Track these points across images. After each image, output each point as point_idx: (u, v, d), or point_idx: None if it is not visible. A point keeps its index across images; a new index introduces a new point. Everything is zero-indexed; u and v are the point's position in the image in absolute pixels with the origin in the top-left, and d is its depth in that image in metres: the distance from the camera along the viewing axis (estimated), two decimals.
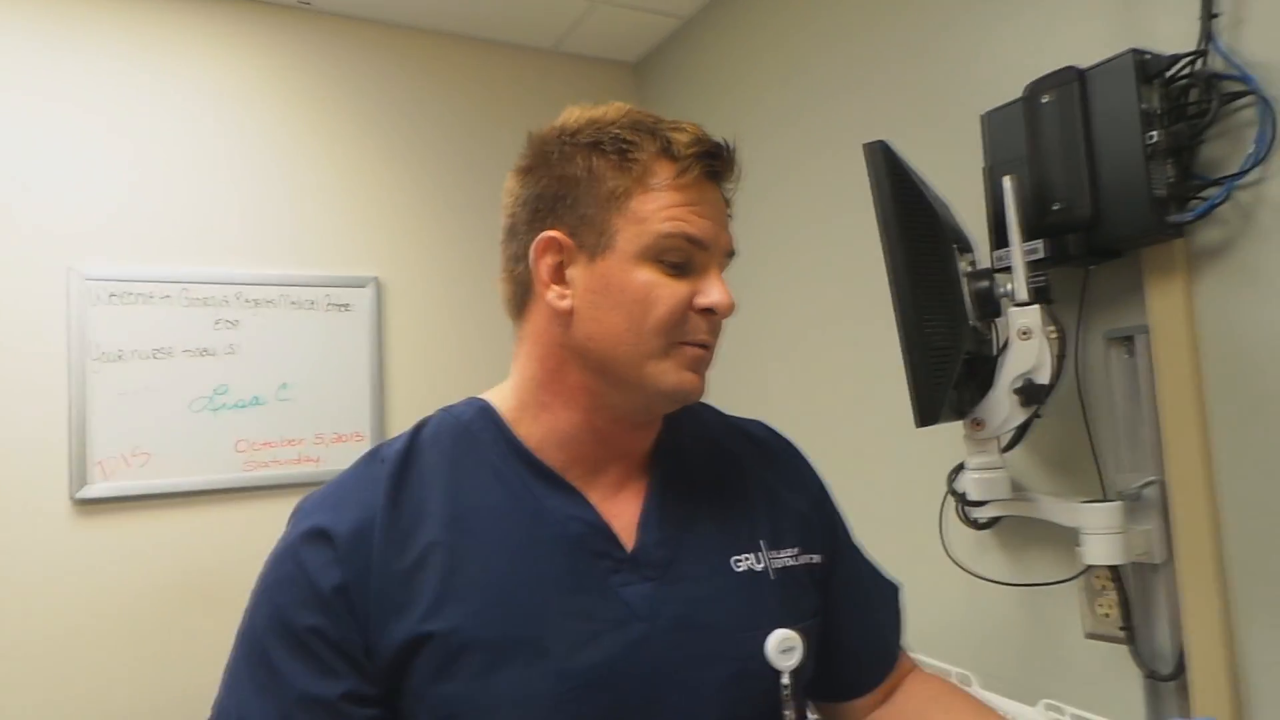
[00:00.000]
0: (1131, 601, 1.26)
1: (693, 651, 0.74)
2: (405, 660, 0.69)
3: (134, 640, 2.05)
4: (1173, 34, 1.18)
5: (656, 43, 2.64)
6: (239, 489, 2.18)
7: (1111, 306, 1.29)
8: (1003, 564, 1.47)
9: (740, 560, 0.80)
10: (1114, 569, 1.25)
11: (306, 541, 0.72)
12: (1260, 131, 1.10)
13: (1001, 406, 1.21)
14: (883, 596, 0.94)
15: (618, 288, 0.73)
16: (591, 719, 0.70)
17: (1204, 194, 1.15)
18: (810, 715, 0.90)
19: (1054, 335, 1.20)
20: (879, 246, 1.14)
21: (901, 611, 0.94)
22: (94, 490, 2.02)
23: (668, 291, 0.73)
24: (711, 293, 0.75)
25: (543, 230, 0.76)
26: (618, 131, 0.75)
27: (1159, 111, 1.15)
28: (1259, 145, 1.10)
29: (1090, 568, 1.26)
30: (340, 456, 2.27)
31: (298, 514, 0.76)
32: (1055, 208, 1.22)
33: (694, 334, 0.75)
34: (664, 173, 0.74)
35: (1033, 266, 1.21)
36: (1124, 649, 1.26)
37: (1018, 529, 1.43)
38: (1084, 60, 1.21)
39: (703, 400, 0.85)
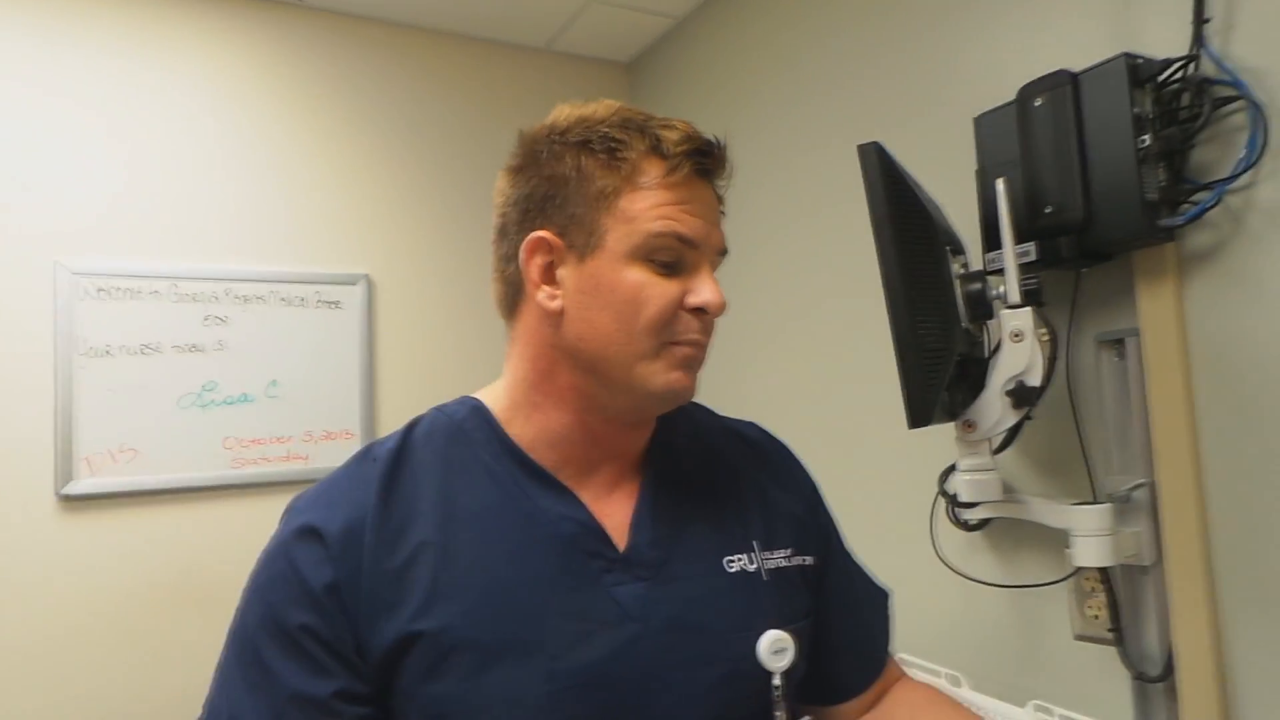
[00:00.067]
0: (1120, 603, 1.26)
1: (685, 652, 0.74)
2: (396, 659, 0.69)
3: (121, 638, 2.03)
4: (1164, 38, 1.19)
5: (650, 42, 2.64)
6: (227, 486, 2.16)
7: (1102, 309, 1.30)
8: (993, 565, 1.47)
9: (733, 561, 0.80)
10: (1103, 571, 1.26)
11: (298, 540, 0.72)
12: (1251, 136, 1.11)
13: (993, 408, 1.22)
14: (872, 601, 0.94)
15: (608, 288, 0.73)
16: (583, 719, 0.70)
17: (1195, 198, 1.16)
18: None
19: (1045, 338, 1.21)
20: (871, 248, 1.14)
21: (890, 617, 0.94)
22: (80, 486, 2.01)
23: (658, 291, 0.73)
24: (702, 291, 0.74)
25: (532, 230, 0.75)
26: (607, 130, 0.74)
27: (1151, 115, 1.16)
28: (1250, 150, 1.11)
29: (1080, 569, 1.27)
30: (330, 454, 2.26)
31: (290, 513, 0.76)
32: (1047, 210, 1.22)
33: (685, 333, 0.74)
34: (653, 171, 0.74)
35: (1025, 269, 1.22)
36: (1113, 650, 1.27)
37: (1008, 531, 1.44)
38: (1076, 64, 1.22)
39: (695, 400, 0.85)
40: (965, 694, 1.35)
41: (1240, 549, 1.14)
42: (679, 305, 0.74)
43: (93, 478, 2.03)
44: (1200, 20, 1.14)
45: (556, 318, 0.75)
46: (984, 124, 1.36)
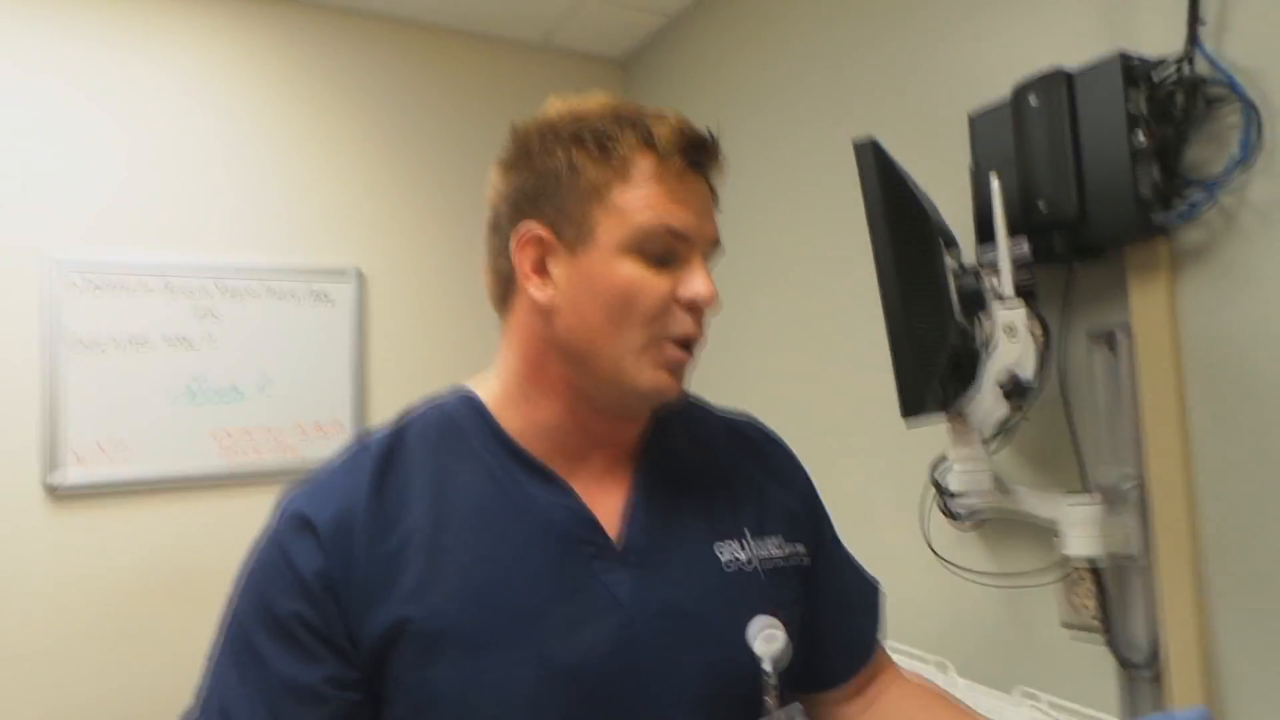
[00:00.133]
0: (1108, 593, 1.27)
1: (675, 639, 0.74)
2: (387, 646, 0.69)
3: (110, 631, 2.02)
4: (1159, 37, 1.19)
5: (644, 39, 2.64)
6: (217, 479, 2.15)
7: (1095, 305, 1.31)
8: (983, 556, 1.48)
9: (724, 549, 0.80)
10: (1092, 562, 1.27)
11: (290, 530, 0.72)
12: (1244, 135, 1.12)
13: (985, 401, 1.23)
14: (862, 591, 0.95)
15: (598, 281, 0.73)
16: (572, 706, 0.70)
17: (1188, 195, 1.17)
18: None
19: (1038, 332, 1.22)
20: (865, 242, 1.14)
21: (880, 608, 0.95)
22: (68, 478, 2.00)
23: (649, 284, 0.73)
24: (694, 284, 0.74)
25: (523, 223, 0.76)
26: (598, 123, 0.74)
27: (1145, 114, 1.17)
28: (1242, 149, 1.12)
29: (1068, 560, 1.28)
30: (320, 447, 2.25)
31: (282, 503, 0.76)
32: (1041, 206, 1.23)
33: (676, 327, 0.74)
34: (645, 164, 0.73)
35: (1018, 264, 1.22)
36: (1099, 639, 1.28)
37: (998, 522, 1.45)
38: (1071, 62, 1.22)
39: (689, 392, 0.86)
40: (953, 681, 1.37)
41: (1227, 541, 1.15)
42: (670, 299, 0.74)
43: (81, 469, 2.01)
44: (1195, 20, 1.15)
45: (547, 310, 0.75)
46: (979, 121, 1.36)
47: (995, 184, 1.22)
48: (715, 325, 0.79)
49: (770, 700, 0.75)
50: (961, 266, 1.29)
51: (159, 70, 2.17)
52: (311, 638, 0.69)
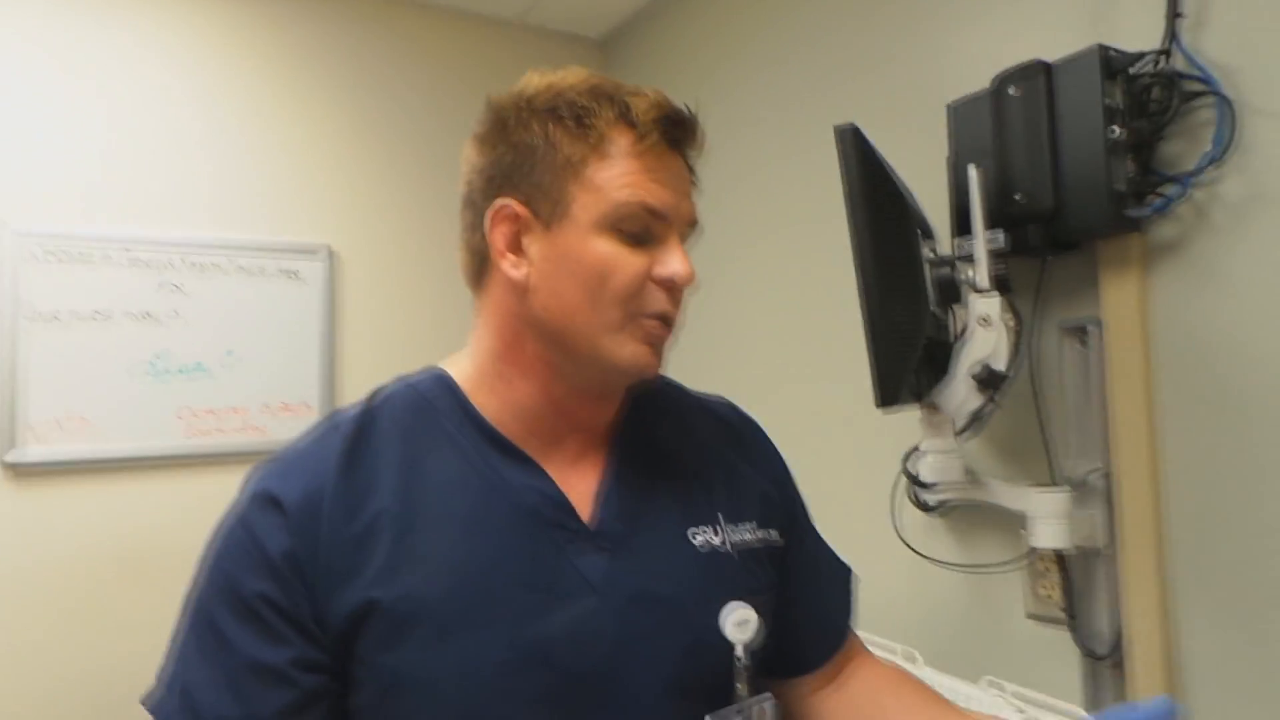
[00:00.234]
0: (1073, 584, 1.29)
1: (648, 624, 0.74)
2: (354, 628, 0.68)
3: (70, 611, 1.98)
4: (1138, 31, 1.20)
5: (624, 19, 2.61)
6: (181, 458, 2.11)
7: (1067, 298, 1.32)
8: (951, 546, 1.50)
9: (698, 534, 0.79)
10: (1058, 553, 1.28)
11: (256, 508, 0.71)
12: (1218, 131, 1.13)
13: (958, 392, 1.23)
14: (835, 577, 0.95)
15: (574, 258, 0.72)
16: (542, 690, 0.69)
17: (1161, 190, 1.18)
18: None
19: (1012, 324, 1.22)
20: (841, 230, 1.14)
21: (852, 594, 0.95)
22: (26, 455, 1.95)
23: (625, 262, 0.72)
24: (670, 263, 0.73)
25: (499, 199, 0.74)
26: (575, 98, 0.73)
27: (1121, 107, 1.17)
28: (1216, 145, 1.13)
29: (1035, 551, 1.29)
30: (287, 427, 2.22)
31: (249, 481, 0.74)
32: (1017, 198, 1.24)
33: (653, 305, 0.74)
34: (622, 140, 0.72)
35: (994, 256, 1.23)
36: (1064, 629, 1.30)
37: (967, 512, 1.46)
38: (1051, 54, 1.23)
39: (665, 376, 0.85)
40: (920, 669, 1.38)
41: (1191, 534, 1.17)
42: (646, 277, 0.73)
43: (39, 446, 1.97)
44: (1174, 14, 1.15)
45: (522, 288, 0.74)
46: (958, 111, 1.36)
47: (974, 175, 1.22)
48: (689, 309, 0.78)
49: (742, 686, 0.75)
50: (937, 256, 1.29)
51: (128, 40, 2.11)
52: (278, 619, 0.68)
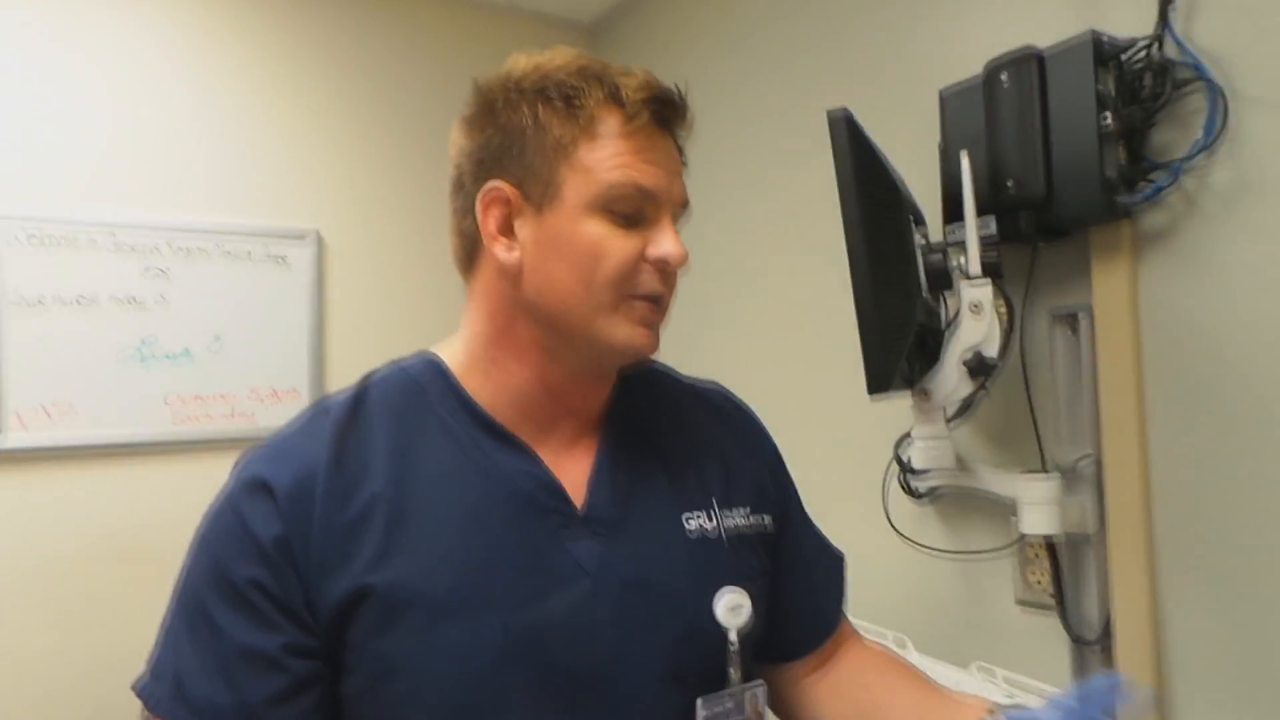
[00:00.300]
0: (1062, 571, 1.30)
1: (641, 609, 0.74)
2: (346, 614, 0.68)
3: (57, 600, 1.97)
4: (1130, 18, 1.20)
5: (614, 4, 2.59)
6: (168, 444, 2.10)
7: (1057, 285, 1.32)
8: (941, 532, 1.50)
9: (691, 519, 0.79)
10: (1047, 539, 1.29)
11: (247, 494, 0.70)
12: (1209, 119, 1.13)
13: (949, 378, 1.23)
14: (826, 563, 0.95)
15: (566, 240, 0.71)
16: (536, 675, 0.69)
17: (1152, 178, 1.18)
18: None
19: (1003, 311, 1.22)
20: (833, 215, 1.14)
21: (844, 580, 0.96)
22: (10, 441, 1.93)
23: (617, 244, 0.71)
24: (663, 244, 0.73)
25: (489, 182, 0.74)
26: (564, 78, 0.73)
27: (1113, 95, 1.17)
28: (1206, 132, 1.13)
29: (1025, 537, 1.30)
30: (276, 414, 2.20)
31: (239, 466, 0.74)
32: (1009, 185, 1.23)
33: (646, 286, 0.73)
34: (612, 120, 0.72)
35: (985, 243, 1.23)
36: (1053, 615, 1.31)
37: (957, 499, 1.47)
38: (1043, 40, 1.22)
39: (658, 360, 0.85)
40: (910, 656, 1.39)
41: (1179, 522, 1.18)
42: (639, 258, 0.72)
43: (23, 432, 1.95)
44: (1165, 1, 1.15)
45: (514, 272, 0.73)
46: (950, 98, 1.36)
47: (965, 162, 1.22)
48: (680, 293, 0.78)
49: (734, 671, 0.75)
50: (929, 243, 1.29)
51: (115, 24, 2.08)
52: (269, 605, 0.67)
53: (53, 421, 1.98)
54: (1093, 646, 1.25)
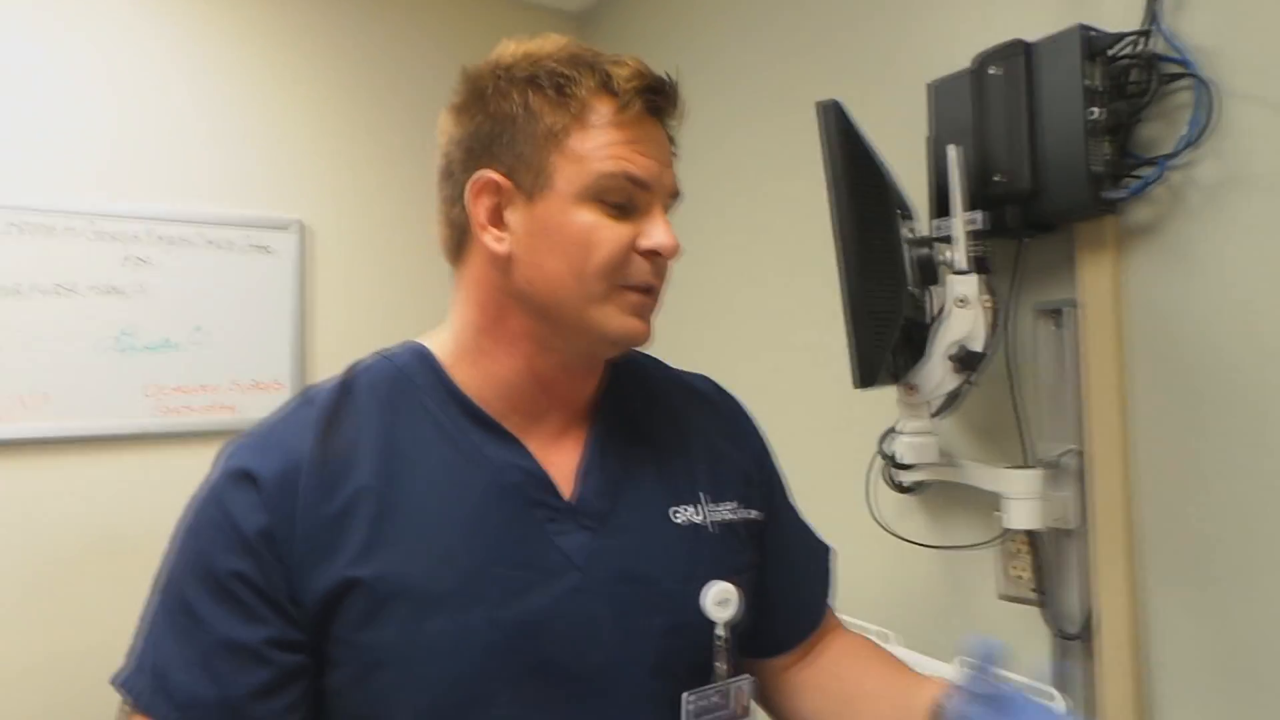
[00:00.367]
0: (1045, 565, 1.30)
1: (629, 602, 0.73)
2: (331, 606, 0.67)
3: (34, 593, 1.94)
4: (1118, 12, 1.20)
5: None
6: (149, 436, 2.08)
7: (1043, 280, 1.32)
8: (925, 526, 1.51)
9: (679, 512, 0.79)
10: (1030, 534, 1.30)
11: (231, 485, 0.69)
12: (1195, 114, 1.13)
13: (935, 372, 1.24)
14: (814, 557, 0.95)
15: (557, 230, 0.71)
16: (523, 668, 0.69)
17: (1138, 172, 1.18)
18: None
19: (989, 305, 1.23)
20: (820, 207, 1.13)
21: (831, 573, 0.96)
22: None
23: (609, 233, 0.71)
24: (655, 234, 0.72)
25: (479, 170, 0.73)
26: (555, 66, 0.72)
27: (1100, 89, 1.17)
28: (1192, 128, 1.13)
29: (1008, 532, 1.31)
30: (258, 405, 2.18)
31: (223, 457, 0.73)
32: (996, 179, 1.23)
33: (637, 277, 0.73)
34: (604, 109, 0.71)
35: (972, 237, 1.23)
36: (1035, 610, 1.31)
37: (941, 493, 1.47)
38: (1031, 33, 1.22)
39: (646, 352, 0.84)
40: (894, 650, 1.39)
41: (1161, 517, 1.18)
42: (630, 248, 0.72)
43: (0, 423, 1.92)
44: None
45: (505, 261, 0.73)
46: (938, 90, 1.36)
47: (953, 155, 1.22)
48: (665, 286, 0.78)
49: (722, 664, 0.75)
50: (916, 236, 1.29)
51: (95, 9, 2.05)
52: (253, 597, 0.66)
53: (30, 412, 1.95)
54: (1075, 641, 1.26)
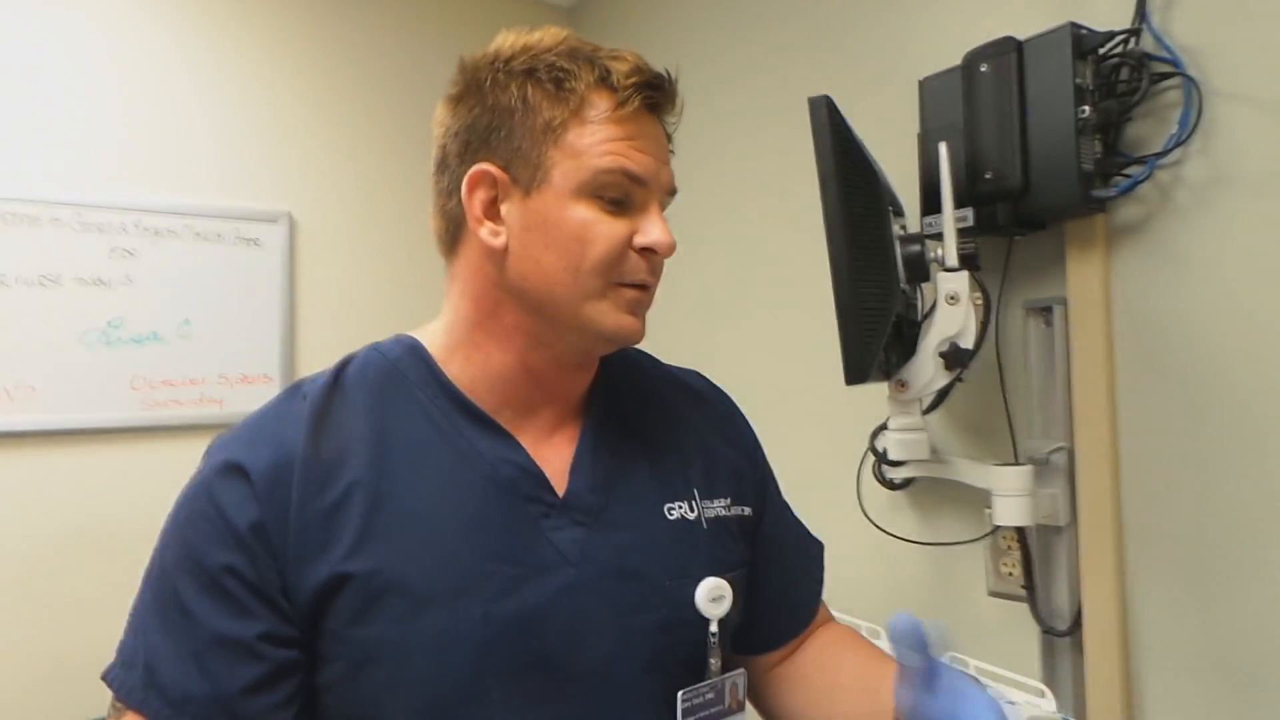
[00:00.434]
0: (1034, 561, 1.31)
1: (622, 598, 0.73)
2: (324, 601, 0.67)
3: (18, 587, 1.93)
4: (1109, 10, 1.20)
5: None
6: (135, 429, 2.06)
7: (1032, 277, 1.33)
8: (914, 523, 1.51)
9: (673, 508, 0.79)
10: (1019, 530, 1.30)
11: (222, 478, 0.69)
12: (1184, 113, 1.14)
13: (926, 369, 1.24)
14: (806, 553, 0.95)
15: (553, 225, 0.71)
16: (516, 664, 0.69)
17: (1127, 171, 1.19)
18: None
19: (979, 302, 1.23)
20: (811, 203, 1.13)
21: (822, 570, 0.96)
22: None
23: (605, 230, 0.71)
24: (651, 231, 0.72)
25: (475, 163, 0.72)
26: (554, 59, 0.72)
27: (1090, 87, 1.18)
28: (1181, 127, 1.14)
29: (998, 528, 1.31)
30: (246, 399, 2.17)
31: (213, 449, 0.72)
32: (987, 177, 1.24)
33: (632, 274, 0.73)
34: (602, 104, 0.71)
35: (962, 234, 1.23)
36: (1024, 606, 1.32)
37: (930, 489, 1.48)
38: (1022, 31, 1.23)
39: (639, 348, 0.84)
40: (883, 646, 1.39)
41: (1149, 514, 1.19)
42: (626, 245, 0.72)
43: None
44: None
45: (500, 255, 0.72)
46: (929, 87, 1.36)
47: (944, 152, 1.22)
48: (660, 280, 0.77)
49: (715, 661, 0.75)
50: (906, 233, 1.29)
51: None
52: (245, 592, 0.66)
53: (16, 404, 1.94)
54: (1063, 637, 1.27)
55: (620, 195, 0.71)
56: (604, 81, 0.71)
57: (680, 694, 0.73)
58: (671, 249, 0.73)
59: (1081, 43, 1.18)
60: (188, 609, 0.66)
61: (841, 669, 0.87)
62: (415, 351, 0.78)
